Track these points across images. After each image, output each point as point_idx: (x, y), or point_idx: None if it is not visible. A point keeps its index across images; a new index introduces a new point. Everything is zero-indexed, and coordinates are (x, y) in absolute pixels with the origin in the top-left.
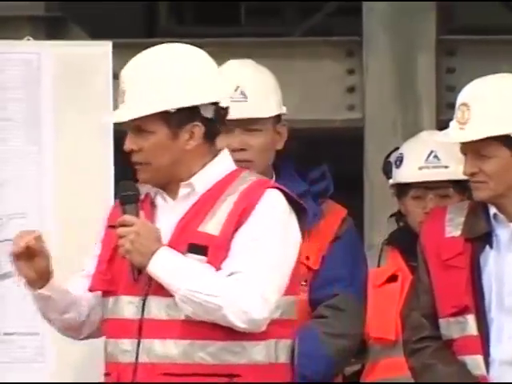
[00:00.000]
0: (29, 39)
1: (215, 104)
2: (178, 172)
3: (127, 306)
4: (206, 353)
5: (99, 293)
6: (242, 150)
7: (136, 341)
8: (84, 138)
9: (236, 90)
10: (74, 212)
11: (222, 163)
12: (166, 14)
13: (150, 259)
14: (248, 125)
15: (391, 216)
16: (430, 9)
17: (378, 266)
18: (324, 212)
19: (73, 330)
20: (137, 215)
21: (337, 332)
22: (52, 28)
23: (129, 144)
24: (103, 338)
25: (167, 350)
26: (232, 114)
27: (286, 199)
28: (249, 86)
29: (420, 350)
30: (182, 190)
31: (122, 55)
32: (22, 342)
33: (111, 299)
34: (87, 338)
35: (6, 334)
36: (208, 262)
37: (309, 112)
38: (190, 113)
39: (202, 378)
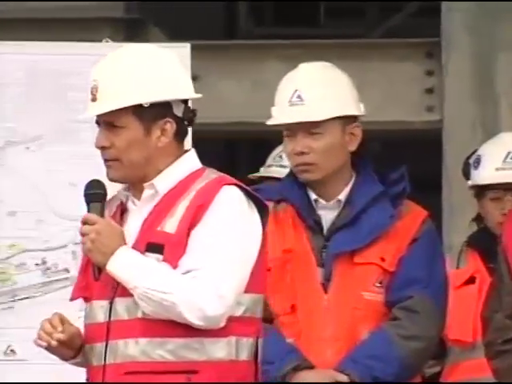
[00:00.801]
0: (107, 41)
1: (185, 103)
2: (147, 170)
3: (98, 311)
4: (165, 350)
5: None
6: (304, 153)
7: (104, 343)
8: None
9: (294, 94)
10: None
11: (186, 162)
12: (245, 15)
13: (109, 258)
14: (309, 128)
15: (473, 220)
16: (511, 9)
17: (457, 267)
18: (403, 213)
19: None
20: (101, 214)
21: (410, 334)
22: (131, 30)
23: (100, 140)
24: None
25: (128, 349)
26: (290, 118)
27: (245, 195)
28: (306, 90)
29: (506, 351)
30: (146, 192)
31: (201, 57)
32: None
33: (87, 305)
34: None
35: None
36: (164, 261)
37: (388, 113)
38: (163, 109)
39: (162, 375)
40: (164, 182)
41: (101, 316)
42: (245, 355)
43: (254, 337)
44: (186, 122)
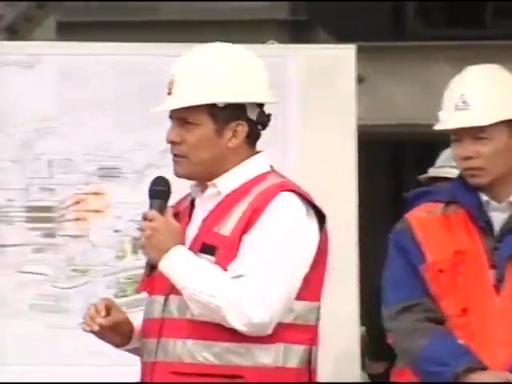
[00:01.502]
0: (273, 43)
1: (260, 107)
2: (214, 170)
3: (156, 306)
4: (211, 353)
5: None
6: (471, 157)
7: (156, 340)
8: (328, 140)
9: (460, 98)
10: None
11: (253, 165)
12: (413, 15)
13: (163, 256)
14: (475, 133)
15: None
16: None
17: None
18: None
19: None
20: (161, 211)
21: None
22: (297, 31)
23: (171, 135)
24: None
25: (176, 349)
26: (456, 123)
27: (303, 202)
28: (471, 94)
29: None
30: (209, 190)
31: (368, 58)
32: None
33: (148, 300)
34: None
35: None
36: (216, 263)
37: None
38: (237, 110)
39: (206, 377)
40: (227, 182)
41: (157, 311)
42: (294, 362)
43: (307, 344)
44: (259, 126)
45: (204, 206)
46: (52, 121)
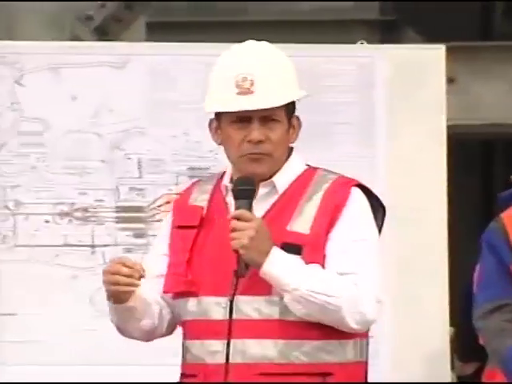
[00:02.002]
0: (362, 43)
1: None
2: (278, 167)
3: (214, 307)
4: (302, 352)
5: (169, 294)
6: None
7: (225, 341)
8: (417, 140)
9: None
10: (408, 214)
11: (298, 159)
12: (501, 15)
13: (266, 258)
14: None
15: None
16: None
17: None
18: None
19: (147, 336)
20: (251, 211)
21: None
22: (386, 31)
23: (259, 134)
24: None
25: (264, 350)
26: None
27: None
28: None
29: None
30: (264, 189)
31: (456, 58)
32: None
33: (192, 301)
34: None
35: None
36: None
37: None
38: (294, 106)
39: (297, 377)
40: (282, 179)
41: (218, 313)
42: (366, 356)
43: (366, 338)
44: None
45: (256, 205)
46: (142, 121)
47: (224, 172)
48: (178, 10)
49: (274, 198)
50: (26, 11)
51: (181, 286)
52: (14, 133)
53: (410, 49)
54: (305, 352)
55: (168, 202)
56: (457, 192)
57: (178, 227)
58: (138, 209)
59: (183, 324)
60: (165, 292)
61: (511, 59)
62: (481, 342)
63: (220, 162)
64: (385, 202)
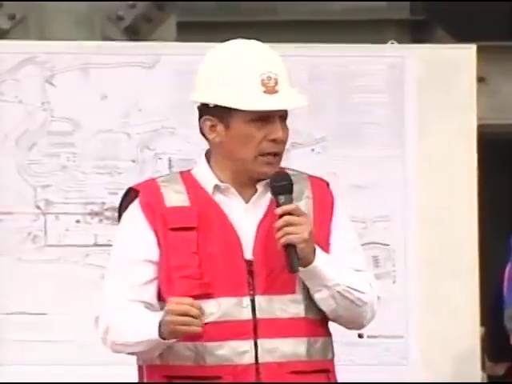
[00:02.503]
0: (393, 43)
1: None
2: None
3: (235, 308)
4: (315, 349)
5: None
6: None
7: (252, 341)
8: (448, 140)
9: None
10: (438, 214)
11: None
12: None
13: (315, 252)
14: None
15: None
16: None
17: None
18: None
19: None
20: None
21: None
22: (416, 31)
23: (284, 134)
24: None
25: (294, 348)
26: None
27: None
28: None
29: None
30: (260, 189)
31: (487, 58)
32: (387, 345)
33: (209, 303)
34: None
35: (369, 336)
36: None
37: None
38: None
39: (317, 374)
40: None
41: (240, 313)
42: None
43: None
44: None
45: (251, 207)
46: (171, 121)
47: (185, 172)
48: (206, 10)
49: (267, 199)
50: (57, 11)
51: (196, 289)
52: (45, 133)
53: (440, 48)
54: (317, 349)
55: None
56: (487, 192)
57: (173, 229)
58: None
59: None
60: (183, 295)
61: None
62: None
63: None
64: (415, 202)
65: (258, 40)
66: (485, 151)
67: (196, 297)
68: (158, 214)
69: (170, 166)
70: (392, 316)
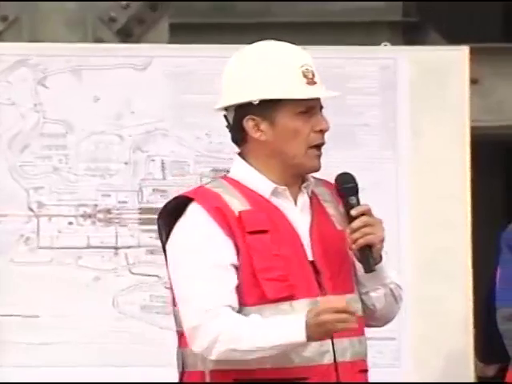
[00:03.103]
0: (386, 45)
1: None
2: None
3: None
4: (366, 347)
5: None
6: None
7: (330, 341)
8: (440, 142)
9: None
10: (431, 216)
11: None
12: None
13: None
14: None
15: None
16: None
17: None
18: None
19: None
20: None
21: None
22: (409, 33)
23: (327, 124)
24: None
25: (361, 347)
26: None
27: None
28: None
29: None
30: (305, 186)
31: (480, 60)
32: (379, 347)
33: (288, 304)
34: None
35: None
36: None
37: None
38: None
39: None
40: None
41: None
42: None
43: None
44: None
45: (303, 207)
46: (164, 123)
47: (226, 177)
48: (200, 11)
49: (307, 196)
50: (50, 13)
51: (284, 291)
52: (37, 135)
53: (433, 50)
54: (366, 348)
55: None
56: (480, 193)
57: (251, 233)
58: None
59: None
60: (272, 299)
61: None
62: (505, 343)
63: None
64: (409, 203)
65: (252, 42)
66: (478, 153)
67: (282, 299)
68: (231, 219)
69: (163, 168)
70: None
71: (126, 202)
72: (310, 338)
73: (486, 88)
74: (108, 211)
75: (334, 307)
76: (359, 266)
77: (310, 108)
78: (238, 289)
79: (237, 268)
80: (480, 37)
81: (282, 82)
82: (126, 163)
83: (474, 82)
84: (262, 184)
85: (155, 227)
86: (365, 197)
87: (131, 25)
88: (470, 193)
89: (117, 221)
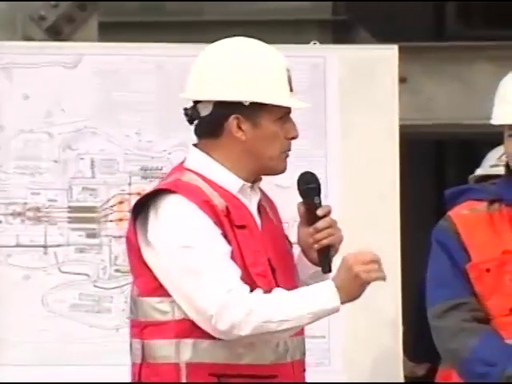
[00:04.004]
0: (315, 43)
1: None
2: None
3: None
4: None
5: None
6: None
7: (292, 339)
8: (370, 141)
9: None
10: (361, 214)
11: None
12: (454, 15)
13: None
14: None
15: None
16: None
17: None
18: None
19: None
20: None
21: None
22: (338, 31)
23: (297, 132)
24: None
25: (304, 346)
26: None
27: None
28: None
29: None
30: (257, 190)
31: (408, 59)
32: (308, 345)
33: None
34: None
35: None
36: None
37: None
38: None
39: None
40: None
41: None
42: None
43: None
44: None
45: (255, 205)
46: (94, 121)
47: (191, 171)
48: (129, 10)
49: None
50: None
51: (267, 287)
52: None
53: (362, 49)
54: None
55: (121, 203)
56: (409, 191)
57: (238, 227)
58: (91, 209)
59: None
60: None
61: (463, 59)
62: (435, 341)
63: (173, 162)
64: (338, 202)
65: (182, 40)
66: (407, 151)
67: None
68: (220, 212)
69: (92, 166)
70: None
71: (55, 201)
72: (343, 299)
73: (415, 86)
74: (37, 209)
75: (364, 258)
76: (302, 266)
77: (286, 114)
78: None
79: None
80: (409, 35)
81: (273, 87)
82: (55, 161)
83: (402, 80)
84: (231, 180)
85: (84, 225)
86: (295, 196)
87: (60, 23)
88: (401, 191)
89: (46, 219)
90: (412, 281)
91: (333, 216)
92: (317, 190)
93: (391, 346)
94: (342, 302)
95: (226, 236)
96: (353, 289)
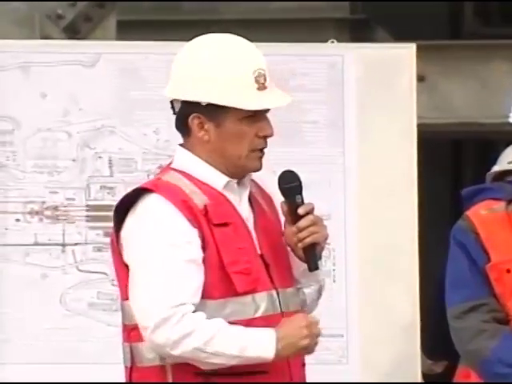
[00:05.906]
0: (333, 41)
1: None
2: None
3: (270, 301)
4: None
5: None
6: None
7: None
8: (387, 140)
9: None
10: (378, 213)
11: None
12: (471, 14)
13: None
14: None
15: None
16: None
17: None
18: None
19: None
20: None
21: None
22: (356, 30)
23: (272, 130)
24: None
25: None
26: None
27: None
28: None
29: None
30: (246, 182)
31: (426, 57)
32: (327, 344)
33: (251, 297)
34: None
35: None
36: None
37: None
38: None
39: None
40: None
41: (274, 307)
42: None
43: None
44: None
45: (245, 201)
46: (112, 120)
47: (175, 169)
48: (147, 9)
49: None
50: None
51: (250, 285)
52: None
53: (380, 48)
54: None
55: None
56: (427, 191)
57: (216, 225)
58: (109, 207)
59: (246, 322)
60: (241, 292)
61: (481, 58)
62: (455, 342)
63: None
64: (355, 201)
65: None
66: (425, 150)
67: (248, 292)
68: (197, 211)
69: (110, 165)
70: (332, 315)
71: (73, 199)
72: (278, 355)
73: (433, 85)
74: (55, 208)
75: (308, 324)
76: (293, 264)
77: (258, 112)
78: (204, 283)
79: (203, 262)
80: (426, 34)
81: (233, 88)
82: (73, 160)
83: (420, 79)
84: (215, 177)
85: (102, 224)
86: (313, 194)
87: (78, 22)
88: (418, 190)
89: (64, 218)
90: (430, 281)
91: (348, 215)
92: (298, 189)
93: (409, 346)
94: (276, 357)
95: (203, 236)
96: (286, 350)
